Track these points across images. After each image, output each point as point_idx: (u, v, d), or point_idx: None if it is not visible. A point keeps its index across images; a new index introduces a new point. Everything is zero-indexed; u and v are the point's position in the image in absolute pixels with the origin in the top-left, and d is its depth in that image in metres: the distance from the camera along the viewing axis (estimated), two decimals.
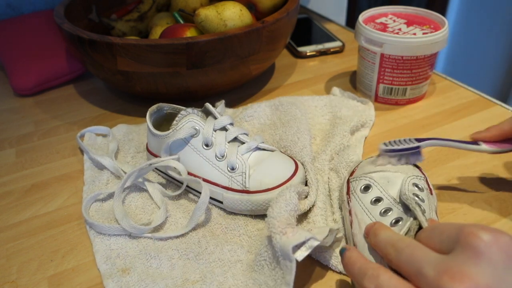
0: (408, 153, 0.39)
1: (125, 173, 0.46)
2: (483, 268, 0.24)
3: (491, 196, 0.44)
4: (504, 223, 0.40)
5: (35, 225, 0.43)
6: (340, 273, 0.36)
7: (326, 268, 0.37)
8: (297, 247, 0.32)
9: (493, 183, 0.45)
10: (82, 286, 0.36)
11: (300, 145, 0.47)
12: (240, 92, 0.64)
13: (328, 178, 0.45)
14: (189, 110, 0.44)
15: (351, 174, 0.42)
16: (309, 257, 0.37)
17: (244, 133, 0.44)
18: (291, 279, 0.31)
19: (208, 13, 0.55)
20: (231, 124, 0.44)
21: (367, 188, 0.38)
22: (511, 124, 0.38)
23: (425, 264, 0.25)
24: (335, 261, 0.37)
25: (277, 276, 0.33)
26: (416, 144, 0.39)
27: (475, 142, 0.40)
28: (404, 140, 0.39)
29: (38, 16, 0.74)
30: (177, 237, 0.40)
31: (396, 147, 0.39)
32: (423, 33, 0.55)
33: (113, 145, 0.51)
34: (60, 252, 0.40)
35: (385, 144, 0.39)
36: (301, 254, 0.31)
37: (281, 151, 0.46)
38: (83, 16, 0.68)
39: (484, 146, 0.40)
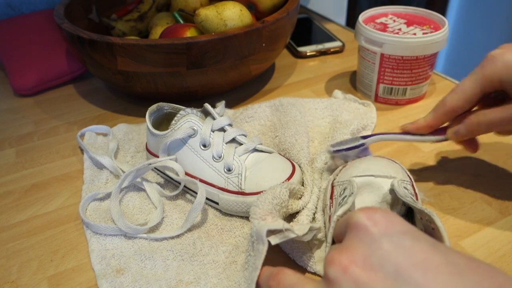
0: (357, 151, 0.41)
1: (124, 172, 0.46)
2: (359, 242, 0.25)
3: (491, 196, 0.44)
4: (504, 223, 0.41)
5: (35, 225, 0.43)
6: (318, 275, 0.36)
7: (304, 270, 0.37)
8: (271, 233, 0.31)
9: (493, 183, 0.45)
10: (82, 286, 0.36)
11: (298, 147, 0.47)
12: (240, 92, 0.64)
13: (321, 179, 0.45)
14: (188, 110, 0.44)
15: (337, 175, 0.41)
16: (287, 258, 0.37)
17: (243, 134, 0.43)
18: (259, 263, 0.30)
19: (208, 13, 0.55)
20: (230, 125, 0.44)
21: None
22: (434, 117, 0.40)
23: None
24: (313, 262, 0.36)
25: (250, 264, 0.32)
26: (361, 141, 0.40)
27: (420, 133, 0.41)
28: (351, 139, 0.42)
29: (38, 16, 0.74)
30: (172, 238, 0.40)
31: (342, 147, 0.41)
32: (423, 33, 0.55)
33: (113, 145, 0.51)
34: (60, 252, 0.40)
35: (332, 145, 0.41)
36: (274, 240, 0.31)
37: (279, 154, 0.45)
38: (83, 16, 0.68)
39: (428, 136, 0.41)
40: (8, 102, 0.65)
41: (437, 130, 0.41)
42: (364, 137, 0.41)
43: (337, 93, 0.61)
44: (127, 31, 0.70)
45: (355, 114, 0.55)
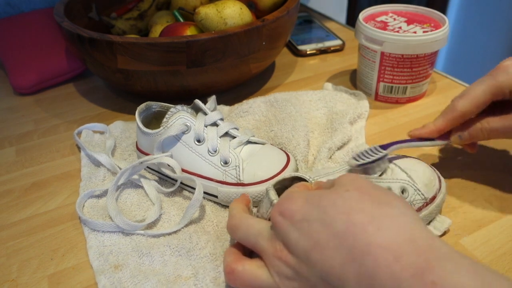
0: (379, 162, 0.39)
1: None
2: (278, 234, 0.30)
3: (491, 194, 0.44)
4: (505, 222, 0.40)
5: (35, 223, 0.43)
6: None
7: None
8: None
9: (493, 181, 0.45)
10: (82, 284, 0.36)
11: (294, 143, 0.48)
12: (240, 91, 0.64)
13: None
14: (179, 107, 0.44)
15: None
16: None
17: (235, 128, 0.44)
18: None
19: (208, 11, 0.55)
20: (221, 119, 0.44)
21: None
22: (443, 122, 0.41)
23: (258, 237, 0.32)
24: None
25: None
26: (384, 152, 0.39)
27: (430, 138, 0.42)
28: (370, 150, 0.39)
29: (37, 14, 0.74)
30: (169, 233, 0.40)
31: (367, 160, 0.38)
32: (424, 32, 0.55)
33: (110, 142, 0.51)
34: (60, 250, 0.40)
35: (354, 158, 0.39)
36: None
37: (271, 144, 0.46)
38: (83, 15, 0.68)
39: (436, 141, 0.42)
40: (8, 100, 0.65)
41: (442, 137, 0.43)
42: (382, 147, 0.40)
43: (327, 85, 0.63)
44: (127, 29, 0.70)
45: (348, 104, 0.57)
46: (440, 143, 0.43)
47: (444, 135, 0.42)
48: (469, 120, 0.41)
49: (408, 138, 0.43)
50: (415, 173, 0.38)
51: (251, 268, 0.31)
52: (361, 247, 0.25)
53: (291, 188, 0.33)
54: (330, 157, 0.48)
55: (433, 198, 0.38)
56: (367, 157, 0.38)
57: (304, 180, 0.37)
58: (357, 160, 0.38)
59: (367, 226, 0.25)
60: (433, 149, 0.50)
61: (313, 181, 0.37)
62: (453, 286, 0.22)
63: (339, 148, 0.49)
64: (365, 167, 0.38)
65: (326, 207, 0.27)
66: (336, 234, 0.26)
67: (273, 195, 0.34)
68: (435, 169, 0.41)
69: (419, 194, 0.37)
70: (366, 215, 0.26)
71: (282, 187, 0.38)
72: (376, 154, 0.39)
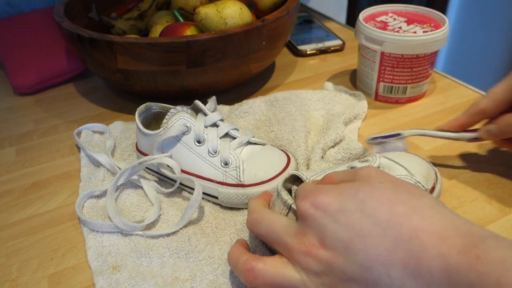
0: (394, 141, 0.44)
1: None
2: (310, 228, 0.29)
3: (491, 195, 0.44)
4: (505, 222, 0.40)
5: (35, 223, 0.43)
6: None
7: None
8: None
9: (493, 182, 0.45)
10: (82, 284, 0.37)
11: (295, 145, 0.48)
12: (240, 91, 0.64)
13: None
14: (179, 108, 0.44)
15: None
16: None
17: (235, 128, 0.44)
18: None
19: (208, 11, 0.55)
20: (221, 120, 0.44)
21: None
22: (465, 116, 0.44)
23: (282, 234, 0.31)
24: None
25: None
26: (398, 131, 0.44)
27: (453, 131, 0.44)
28: (390, 132, 0.45)
29: (37, 14, 0.74)
30: (168, 235, 0.40)
31: (379, 135, 0.44)
32: (424, 32, 0.55)
33: (109, 143, 0.51)
34: (60, 250, 0.40)
35: (370, 136, 0.45)
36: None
37: (272, 145, 0.46)
38: (83, 15, 0.68)
39: (462, 134, 0.44)
40: (8, 100, 0.65)
41: (470, 130, 0.44)
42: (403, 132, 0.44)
43: (328, 85, 0.62)
44: (127, 29, 0.70)
45: (347, 106, 0.57)
46: (466, 136, 0.44)
47: (473, 131, 0.44)
48: (500, 116, 0.42)
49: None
50: (412, 166, 0.40)
51: (274, 265, 0.30)
52: (407, 234, 0.26)
53: (305, 185, 0.32)
54: (322, 157, 0.48)
55: (433, 188, 0.39)
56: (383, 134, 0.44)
57: (301, 179, 0.37)
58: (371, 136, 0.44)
59: (412, 216, 0.26)
60: (433, 150, 0.50)
61: (308, 181, 0.36)
62: (495, 259, 0.23)
63: (331, 148, 0.49)
64: (378, 141, 0.42)
65: (364, 198, 0.28)
66: (380, 224, 0.27)
67: (286, 195, 0.34)
68: (428, 161, 0.42)
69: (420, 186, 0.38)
70: (408, 205, 0.27)
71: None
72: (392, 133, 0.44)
